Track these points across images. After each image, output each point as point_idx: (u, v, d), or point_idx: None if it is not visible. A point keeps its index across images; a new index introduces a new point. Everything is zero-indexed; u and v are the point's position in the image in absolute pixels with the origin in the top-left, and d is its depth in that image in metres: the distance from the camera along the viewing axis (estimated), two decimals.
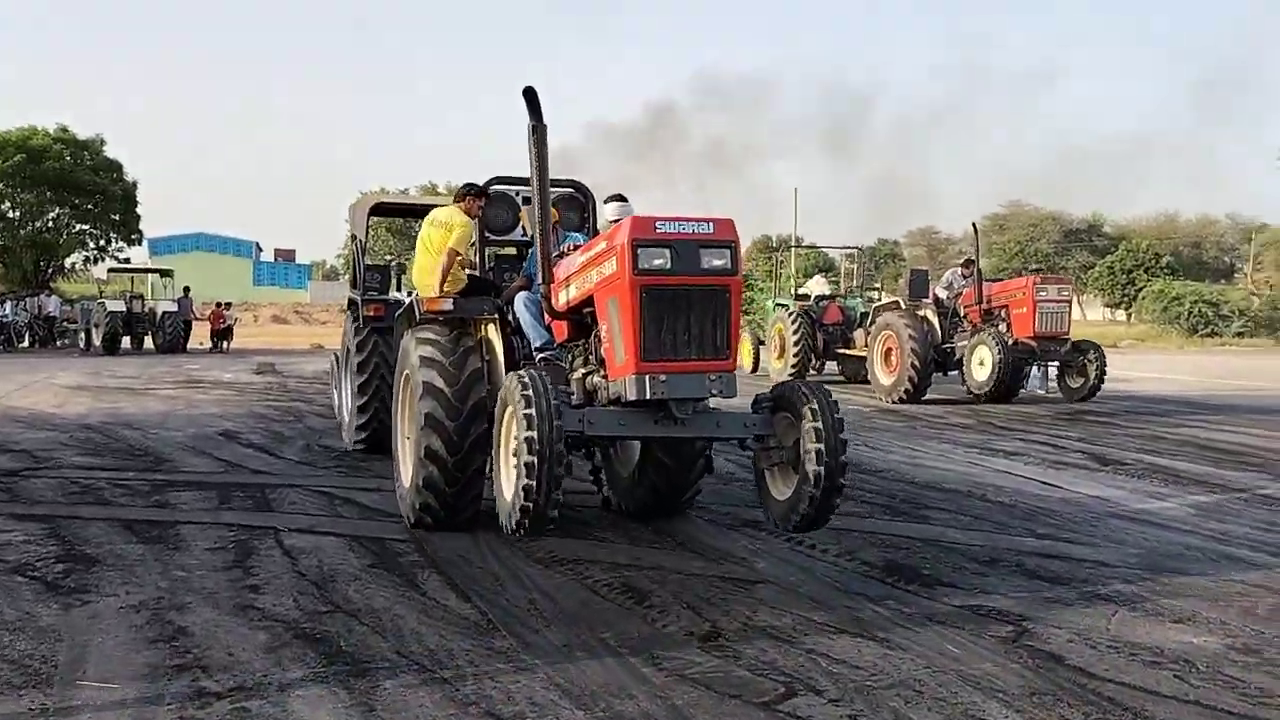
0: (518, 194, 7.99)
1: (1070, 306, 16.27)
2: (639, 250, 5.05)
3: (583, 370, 5.96)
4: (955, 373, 16.83)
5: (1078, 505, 7.75)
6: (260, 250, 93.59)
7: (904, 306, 16.70)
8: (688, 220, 5.13)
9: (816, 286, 21.24)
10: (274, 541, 6.41)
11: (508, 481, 5.26)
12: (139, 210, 44.32)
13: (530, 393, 4.91)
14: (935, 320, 16.56)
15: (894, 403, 15.74)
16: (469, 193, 7.60)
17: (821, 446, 5.12)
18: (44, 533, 6.57)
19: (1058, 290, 16.03)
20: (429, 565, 5.87)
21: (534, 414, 4.84)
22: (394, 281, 12.50)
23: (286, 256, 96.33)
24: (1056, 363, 16.39)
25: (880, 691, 4.04)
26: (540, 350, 6.53)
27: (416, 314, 6.88)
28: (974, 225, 18.19)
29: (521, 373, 5.15)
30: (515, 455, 4.99)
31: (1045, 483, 8.68)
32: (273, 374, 20.98)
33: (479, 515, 6.56)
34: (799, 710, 3.85)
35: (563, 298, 6.00)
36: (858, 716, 3.81)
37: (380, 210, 11.68)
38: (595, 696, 3.96)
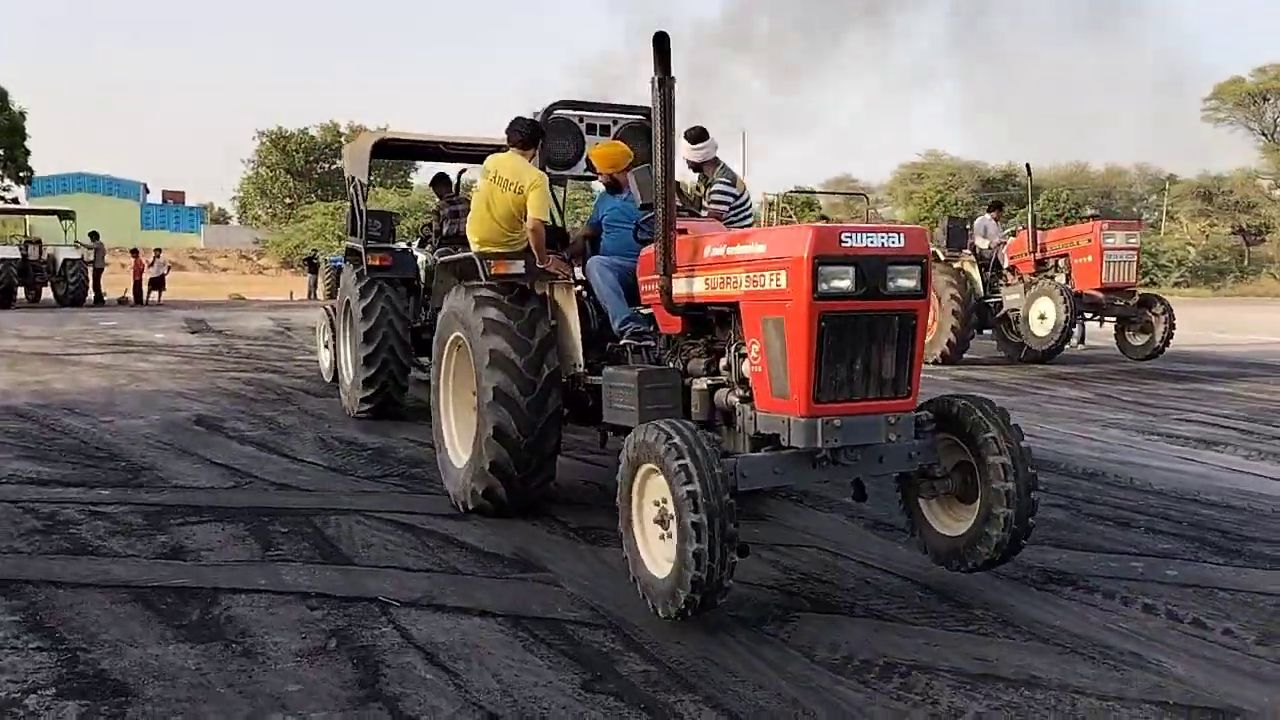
0: (581, 120, 6.84)
1: (1138, 255, 14.61)
2: (820, 269, 4.05)
3: (708, 382, 4.90)
4: (988, 330, 15.28)
5: None
6: (147, 191, 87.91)
7: (942, 258, 14.91)
8: (875, 231, 4.18)
9: None
10: (394, 631, 4.14)
11: (653, 555, 4.26)
12: (28, 145, 39.78)
13: (679, 441, 3.99)
14: (975, 273, 14.78)
15: (929, 364, 13.98)
16: (535, 135, 6.25)
17: (1012, 486, 4.35)
18: (17, 621, 4.18)
19: (1126, 237, 14.35)
20: (677, 684, 3.69)
21: (691, 465, 3.89)
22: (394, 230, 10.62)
23: (176, 198, 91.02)
24: (1113, 318, 14.79)
25: None
26: (624, 328, 5.59)
27: (482, 276, 5.90)
28: (1027, 166, 16.33)
29: (659, 423, 4.16)
30: (668, 518, 4.06)
31: None
32: (211, 333, 18.15)
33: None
34: None
35: (681, 288, 4.89)
36: None
37: (385, 150, 9.97)
38: None
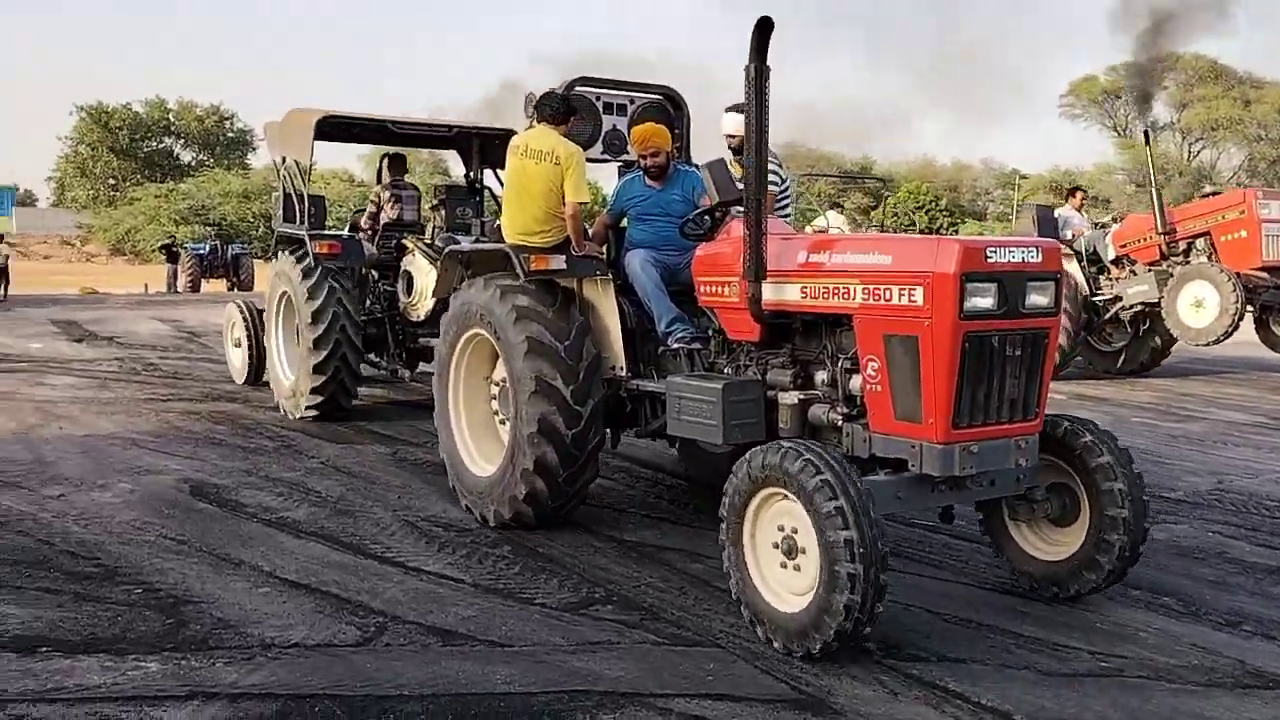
0: (598, 99, 6.39)
1: None
2: (966, 286, 3.88)
3: (799, 396, 4.54)
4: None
5: None
6: None
7: None
8: (1016, 245, 4.04)
9: (835, 221, 17.04)
10: None
11: (768, 583, 4.01)
12: None
13: (829, 476, 3.69)
14: (1076, 269, 12.40)
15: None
16: (566, 112, 5.75)
17: (1129, 513, 4.26)
18: None
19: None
20: None
21: (847, 507, 3.63)
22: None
23: None
24: (1255, 308, 12.14)
25: None
26: (671, 329, 5.24)
27: (520, 272, 5.45)
28: (1145, 134, 14.03)
29: (792, 445, 3.89)
30: (796, 551, 3.86)
31: None
32: (99, 341, 14.68)
33: None
34: None
35: (767, 294, 4.53)
36: None
37: (327, 130, 8.87)
38: None
